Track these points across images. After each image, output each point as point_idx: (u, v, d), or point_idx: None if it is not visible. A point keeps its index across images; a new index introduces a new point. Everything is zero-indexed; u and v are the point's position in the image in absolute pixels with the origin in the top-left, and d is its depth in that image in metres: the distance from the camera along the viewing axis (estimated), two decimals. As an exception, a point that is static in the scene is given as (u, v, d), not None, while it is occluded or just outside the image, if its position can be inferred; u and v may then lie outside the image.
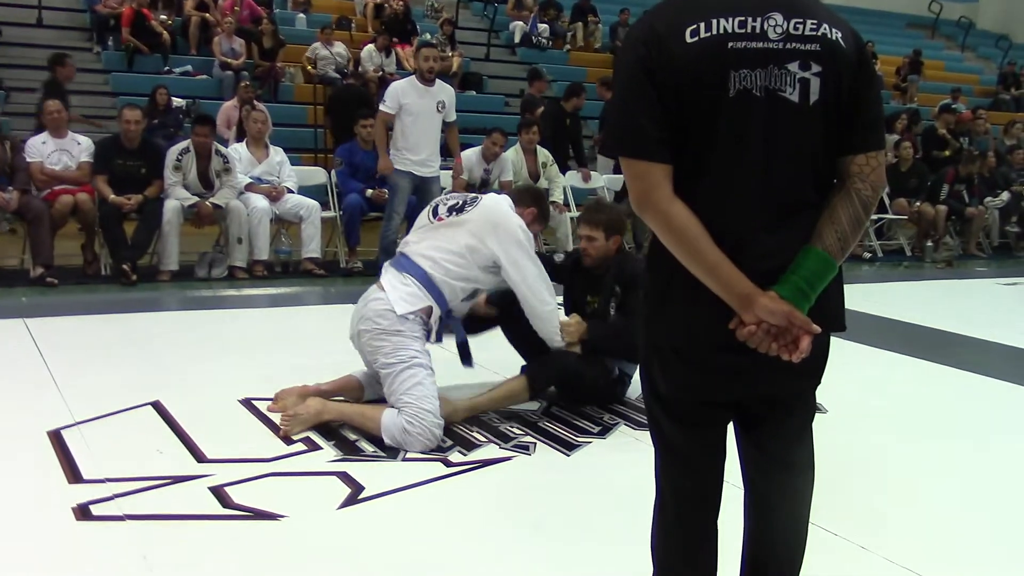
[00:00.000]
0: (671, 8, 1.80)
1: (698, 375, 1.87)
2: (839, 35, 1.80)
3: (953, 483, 3.66)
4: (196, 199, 7.21)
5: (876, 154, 1.83)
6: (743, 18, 1.75)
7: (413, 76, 7.34)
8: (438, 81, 7.32)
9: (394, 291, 3.85)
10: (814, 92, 1.78)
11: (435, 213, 4.08)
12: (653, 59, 1.75)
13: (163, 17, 12.42)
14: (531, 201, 4.20)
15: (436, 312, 3.90)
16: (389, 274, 3.94)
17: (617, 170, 9.77)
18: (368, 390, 4.15)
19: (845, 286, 1.91)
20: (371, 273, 7.49)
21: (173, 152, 7.29)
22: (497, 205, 4.02)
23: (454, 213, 4.01)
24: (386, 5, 14.40)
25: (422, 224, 4.10)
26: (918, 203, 10.69)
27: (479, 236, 3.90)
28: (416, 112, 7.09)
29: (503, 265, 3.92)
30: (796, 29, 1.77)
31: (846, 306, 1.90)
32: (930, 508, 3.40)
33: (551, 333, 4.13)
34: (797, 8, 1.78)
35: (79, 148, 7.18)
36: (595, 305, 4.34)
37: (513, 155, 8.51)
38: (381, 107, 7.18)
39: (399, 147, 7.16)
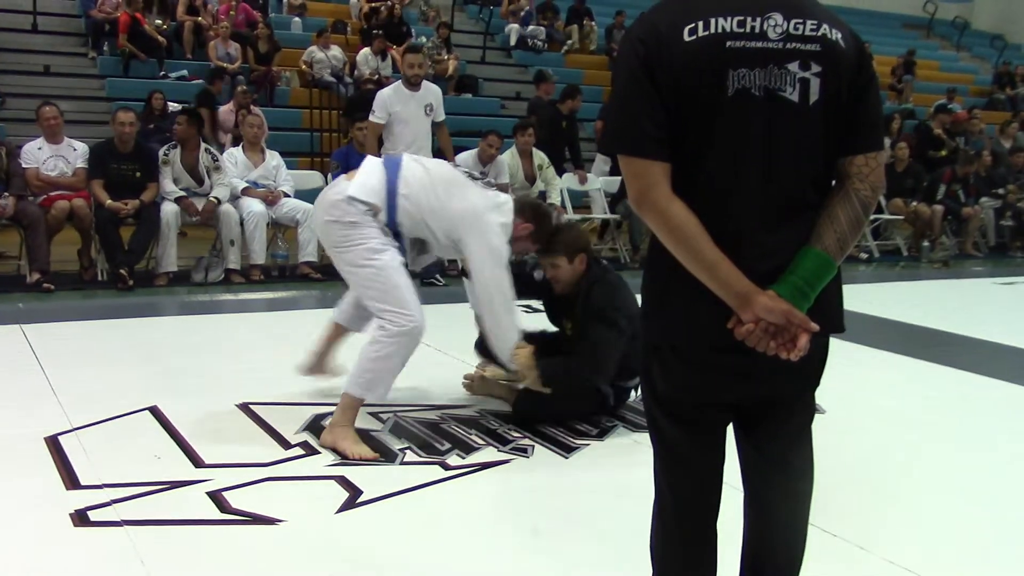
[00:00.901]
0: (670, 7, 1.80)
1: (697, 375, 1.87)
2: (839, 36, 1.80)
3: (952, 483, 3.66)
4: (183, 193, 7.25)
5: (875, 155, 1.83)
6: (742, 18, 1.75)
7: (399, 82, 7.35)
8: (424, 84, 7.35)
9: (355, 179, 3.86)
10: (814, 92, 1.78)
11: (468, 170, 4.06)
12: (652, 57, 1.75)
13: (158, 22, 12.41)
14: (530, 217, 4.03)
15: (382, 217, 3.81)
16: (364, 165, 3.94)
17: (614, 172, 9.80)
18: (352, 326, 4.27)
19: (843, 287, 1.91)
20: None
21: (161, 150, 7.38)
22: (488, 211, 3.87)
23: (475, 179, 3.98)
24: (382, 8, 14.40)
25: (440, 162, 4.17)
26: (914, 203, 10.71)
27: (463, 216, 3.82)
28: (405, 118, 7.13)
29: (468, 256, 3.84)
30: (796, 29, 1.77)
31: (846, 307, 1.90)
32: (929, 508, 3.40)
33: (501, 350, 3.94)
34: (797, 8, 1.78)
35: (75, 154, 7.18)
36: (569, 331, 4.19)
37: (509, 158, 8.50)
38: (371, 118, 7.19)
39: (397, 151, 7.16)
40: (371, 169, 3.96)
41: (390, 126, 7.13)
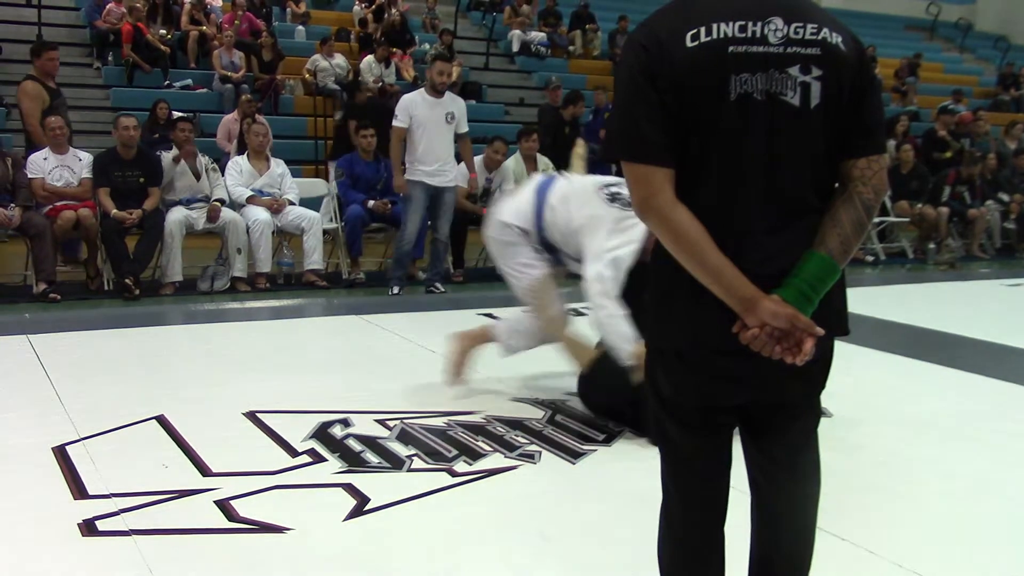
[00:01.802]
0: (672, 13, 1.81)
1: (702, 380, 1.87)
2: (839, 39, 1.80)
3: (960, 486, 3.65)
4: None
5: (878, 157, 1.83)
6: (743, 23, 1.76)
7: (423, 88, 7.36)
8: (448, 93, 7.35)
9: (508, 203, 4.46)
10: (815, 96, 1.78)
11: (609, 191, 4.14)
12: (654, 63, 1.75)
13: (163, 32, 12.45)
14: None
15: (533, 237, 4.29)
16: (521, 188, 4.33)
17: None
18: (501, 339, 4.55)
19: (848, 289, 1.90)
20: (373, 284, 7.52)
21: (171, 154, 7.45)
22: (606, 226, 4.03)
23: (617, 202, 4.08)
24: (385, 15, 14.44)
25: (584, 178, 4.38)
26: (920, 205, 10.69)
27: (582, 227, 4.10)
28: (424, 123, 7.11)
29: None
30: (796, 33, 1.77)
31: (852, 310, 1.90)
32: (937, 511, 3.39)
33: (616, 348, 3.88)
34: (797, 13, 1.79)
35: (80, 164, 7.20)
36: None
37: (514, 163, 8.51)
38: (394, 122, 7.17)
39: (411, 159, 7.19)
40: (524, 191, 4.48)
41: (411, 131, 7.13)
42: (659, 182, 1.77)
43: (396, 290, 7.31)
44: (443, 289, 7.52)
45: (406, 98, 7.29)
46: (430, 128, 7.11)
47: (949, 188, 10.77)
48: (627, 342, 3.80)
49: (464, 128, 7.41)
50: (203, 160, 7.55)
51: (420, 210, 7.26)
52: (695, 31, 1.75)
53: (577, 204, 4.16)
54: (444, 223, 7.43)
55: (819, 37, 1.78)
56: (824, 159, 1.82)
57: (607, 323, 3.89)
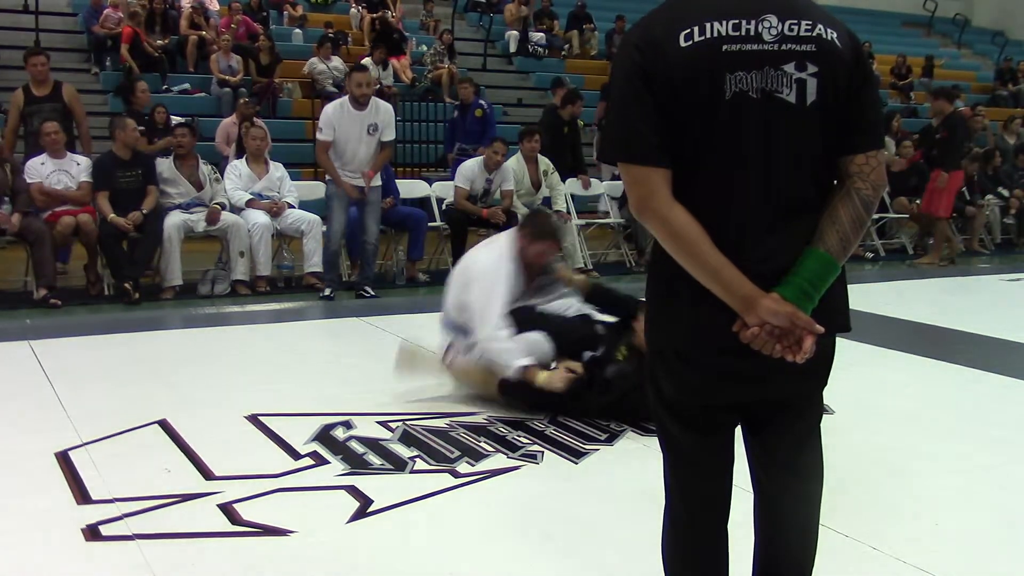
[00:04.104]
0: (665, 13, 1.81)
1: (703, 379, 1.87)
2: (834, 35, 1.80)
3: (962, 481, 3.66)
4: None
5: (875, 153, 1.83)
6: (737, 21, 1.76)
7: (346, 99, 7.17)
8: (374, 101, 7.16)
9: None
10: (811, 93, 1.78)
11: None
12: (649, 64, 1.75)
13: (160, 42, 12.46)
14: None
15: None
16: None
17: (619, 176, 9.78)
18: None
19: (848, 286, 1.90)
20: (374, 286, 7.50)
21: (162, 162, 7.46)
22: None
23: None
24: (377, 20, 14.46)
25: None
26: (918, 201, 10.67)
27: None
28: (347, 135, 7.05)
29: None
30: (791, 30, 1.77)
31: (852, 306, 1.90)
32: (940, 507, 3.39)
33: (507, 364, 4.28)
34: (791, 9, 1.78)
35: (78, 168, 7.21)
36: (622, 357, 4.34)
37: (515, 164, 8.51)
38: (318, 135, 7.10)
39: (337, 164, 7.13)
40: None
41: (335, 142, 7.07)
42: (656, 183, 1.77)
43: (328, 292, 7.20)
44: (373, 293, 7.33)
45: (328, 110, 7.16)
46: (352, 139, 7.06)
47: None
48: (513, 355, 4.22)
49: (389, 137, 7.25)
50: (205, 169, 7.51)
51: (344, 209, 7.21)
52: (689, 30, 1.75)
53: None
54: (372, 223, 7.29)
55: (814, 33, 1.78)
56: (821, 156, 1.82)
57: (495, 352, 4.29)
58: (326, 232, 7.33)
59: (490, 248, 4.60)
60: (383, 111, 7.20)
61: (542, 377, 4.21)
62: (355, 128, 7.05)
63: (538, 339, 4.36)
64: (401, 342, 4.58)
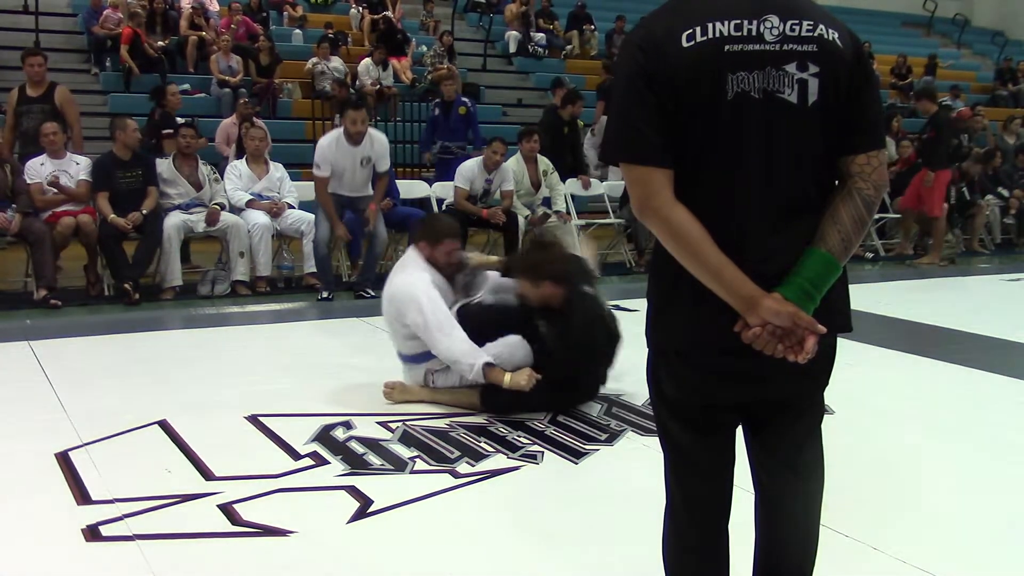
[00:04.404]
0: (667, 14, 1.81)
1: (704, 379, 1.87)
2: (835, 35, 1.80)
3: (963, 481, 3.66)
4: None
5: (877, 153, 1.84)
6: (738, 21, 1.76)
7: (340, 133, 7.13)
8: (370, 134, 7.14)
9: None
10: (813, 93, 1.78)
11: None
12: (651, 64, 1.75)
13: (160, 43, 12.45)
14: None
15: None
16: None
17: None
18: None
19: (849, 286, 1.90)
20: (374, 286, 7.49)
21: (167, 161, 7.45)
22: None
23: None
24: (380, 20, 14.46)
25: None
26: (898, 199, 10.64)
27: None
28: (340, 167, 7.07)
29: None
30: (792, 31, 1.77)
31: (853, 306, 1.90)
32: (940, 507, 3.39)
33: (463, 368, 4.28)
34: (793, 10, 1.78)
35: (77, 168, 7.20)
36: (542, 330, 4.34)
37: (514, 164, 8.50)
38: (315, 171, 7.08)
39: (334, 183, 7.15)
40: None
41: (331, 175, 7.11)
42: (658, 183, 1.77)
43: (325, 294, 7.19)
44: (373, 294, 7.12)
45: (323, 146, 7.11)
46: (347, 171, 7.09)
47: (952, 188, 10.75)
48: (468, 356, 4.22)
49: (383, 168, 7.27)
50: (204, 170, 7.52)
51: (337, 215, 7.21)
52: (691, 31, 1.75)
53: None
54: (380, 228, 7.33)
55: (815, 34, 1.78)
56: (823, 156, 1.82)
57: (456, 358, 4.27)
58: (314, 239, 7.31)
59: (402, 270, 4.57)
60: (377, 143, 7.23)
61: (507, 379, 4.17)
62: (348, 161, 7.09)
63: (515, 341, 4.34)
64: (385, 383, 4.52)
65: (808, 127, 1.79)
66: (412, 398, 4.46)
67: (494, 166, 8.17)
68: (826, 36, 1.79)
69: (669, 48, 1.75)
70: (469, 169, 8.21)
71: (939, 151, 9.91)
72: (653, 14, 1.84)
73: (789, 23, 1.77)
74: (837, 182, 1.85)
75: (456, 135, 10.14)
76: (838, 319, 1.85)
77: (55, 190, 7.04)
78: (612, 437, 4.03)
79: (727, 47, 1.75)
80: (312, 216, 7.68)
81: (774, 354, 1.76)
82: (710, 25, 1.75)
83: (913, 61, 18.28)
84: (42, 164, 7.12)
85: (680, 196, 1.78)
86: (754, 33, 1.76)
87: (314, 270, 7.57)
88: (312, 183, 7.36)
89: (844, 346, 1.94)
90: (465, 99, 10.60)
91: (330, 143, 7.12)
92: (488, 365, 4.20)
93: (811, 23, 1.78)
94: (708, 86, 1.75)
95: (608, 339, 4.38)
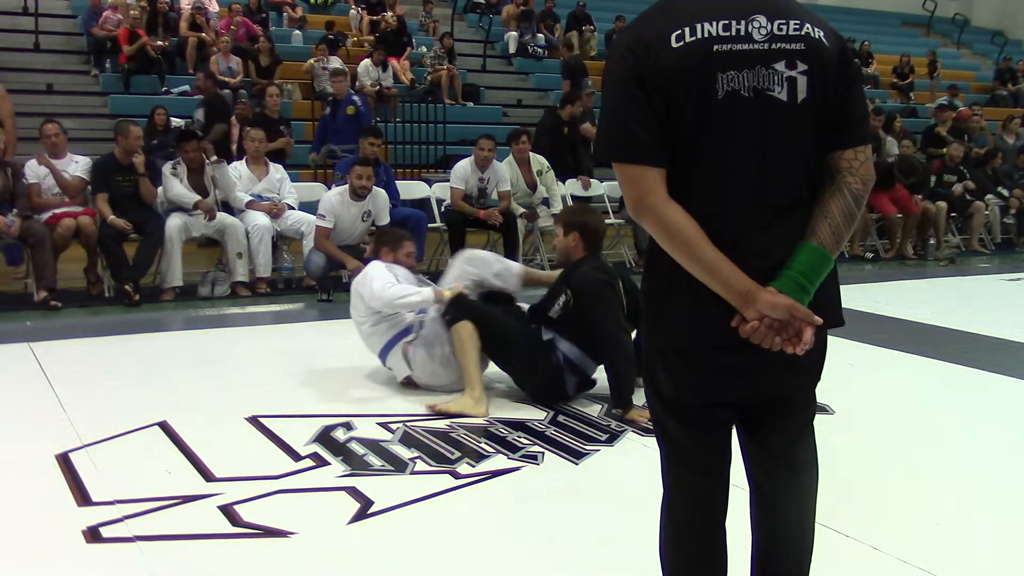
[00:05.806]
0: (656, 15, 1.83)
1: (702, 376, 1.88)
2: (821, 34, 1.83)
3: (964, 481, 3.66)
4: (198, 197, 7.28)
5: (863, 148, 1.86)
6: (727, 21, 1.78)
7: (346, 189, 7.14)
8: (374, 190, 7.22)
9: None
10: (802, 90, 1.80)
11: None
12: (641, 65, 1.77)
13: (160, 44, 12.46)
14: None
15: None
16: None
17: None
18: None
19: (848, 286, 1.92)
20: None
21: (167, 167, 7.40)
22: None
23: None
24: (381, 20, 14.46)
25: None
26: (919, 197, 10.66)
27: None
28: (344, 223, 7.09)
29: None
30: (780, 30, 1.80)
31: (852, 306, 1.91)
32: (942, 508, 3.39)
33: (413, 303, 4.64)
34: (779, 9, 1.81)
35: (76, 167, 7.22)
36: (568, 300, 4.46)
37: (507, 167, 8.49)
38: (319, 222, 7.07)
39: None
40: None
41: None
42: (651, 182, 1.79)
43: (325, 296, 7.17)
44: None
45: (328, 199, 7.14)
46: (348, 225, 7.13)
47: (935, 177, 10.82)
48: (416, 295, 4.59)
49: (383, 221, 7.30)
50: (208, 170, 7.49)
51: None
52: (680, 32, 1.77)
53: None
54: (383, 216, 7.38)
55: (802, 32, 1.81)
56: (813, 152, 1.85)
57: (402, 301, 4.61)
58: (306, 264, 7.24)
59: (363, 279, 4.78)
60: (379, 199, 7.30)
61: (446, 293, 4.59)
62: (350, 215, 7.14)
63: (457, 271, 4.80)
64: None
65: (798, 124, 1.81)
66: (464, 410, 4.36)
67: (484, 163, 8.13)
68: (813, 35, 1.81)
69: (659, 49, 1.77)
70: (462, 169, 8.19)
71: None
72: (642, 16, 1.86)
73: (777, 22, 1.80)
74: (826, 177, 1.87)
75: (342, 136, 9.77)
76: (830, 313, 1.86)
77: (56, 190, 7.05)
78: (612, 437, 4.04)
79: (716, 47, 1.77)
80: (313, 218, 7.68)
81: (772, 347, 1.77)
82: (699, 26, 1.77)
83: (913, 61, 18.28)
84: (41, 164, 7.12)
85: (673, 194, 1.79)
86: (743, 33, 1.78)
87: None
88: (311, 184, 7.37)
89: (844, 346, 1.95)
90: (355, 98, 10.32)
91: (335, 198, 7.17)
92: (434, 290, 4.64)
93: (798, 22, 1.81)
94: (699, 86, 1.77)
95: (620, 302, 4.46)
